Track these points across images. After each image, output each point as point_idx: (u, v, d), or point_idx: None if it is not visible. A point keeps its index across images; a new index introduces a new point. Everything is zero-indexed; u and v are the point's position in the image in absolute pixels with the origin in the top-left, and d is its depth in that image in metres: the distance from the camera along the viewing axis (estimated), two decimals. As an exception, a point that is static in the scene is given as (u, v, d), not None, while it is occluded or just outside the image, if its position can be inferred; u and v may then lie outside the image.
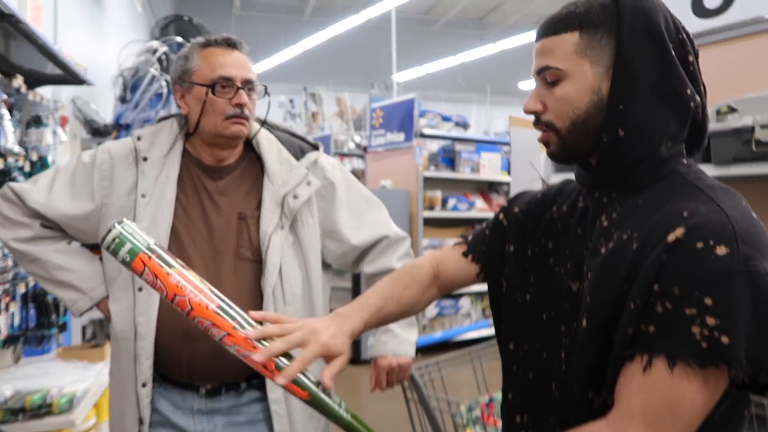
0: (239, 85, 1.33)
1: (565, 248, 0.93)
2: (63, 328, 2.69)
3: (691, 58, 0.85)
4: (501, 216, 1.06)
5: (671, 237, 0.74)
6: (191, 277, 0.93)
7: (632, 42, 0.82)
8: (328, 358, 0.90)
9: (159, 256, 0.93)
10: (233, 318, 0.91)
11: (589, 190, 0.90)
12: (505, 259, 1.02)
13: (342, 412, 0.90)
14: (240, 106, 1.33)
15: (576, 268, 0.89)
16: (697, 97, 0.84)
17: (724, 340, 0.69)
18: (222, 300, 0.93)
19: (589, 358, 0.81)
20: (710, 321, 0.70)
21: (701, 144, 0.90)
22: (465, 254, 1.09)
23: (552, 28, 0.86)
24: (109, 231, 0.93)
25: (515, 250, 1.01)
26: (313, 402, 0.89)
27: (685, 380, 0.72)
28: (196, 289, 0.92)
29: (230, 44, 1.36)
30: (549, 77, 0.86)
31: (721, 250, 0.71)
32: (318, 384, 0.90)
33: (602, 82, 0.84)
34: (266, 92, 1.41)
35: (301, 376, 0.88)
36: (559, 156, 0.90)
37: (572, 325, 0.87)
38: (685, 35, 0.85)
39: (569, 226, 0.94)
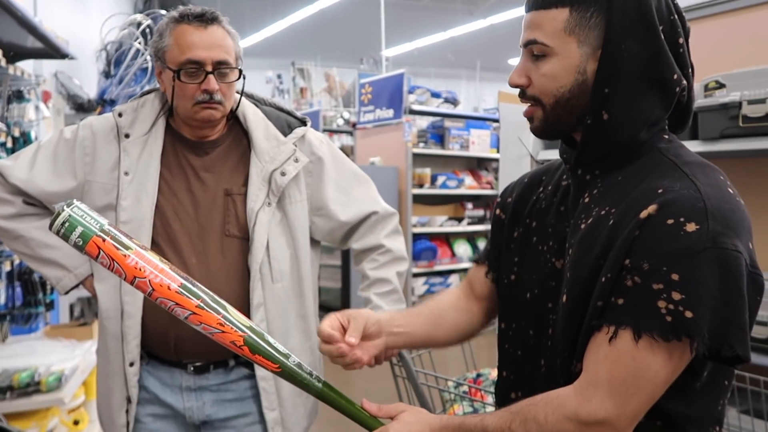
0: (209, 69, 1.27)
1: (548, 227, 0.94)
2: (50, 306, 2.68)
3: (681, 40, 0.84)
4: (498, 211, 1.07)
5: (644, 213, 0.76)
6: (151, 258, 0.92)
7: (622, 25, 0.81)
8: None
9: (114, 238, 0.90)
10: (198, 296, 0.91)
11: (572, 168, 0.91)
12: (501, 248, 1.04)
13: (314, 381, 0.92)
14: (208, 91, 1.27)
15: (559, 245, 0.91)
16: (684, 81, 0.85)
17: (688, 314, 0.72)
18: (185, 279, 0.93)
19: (570, 332, 0.83)
20: (676, 296, 0.72)
21: (686, 123, 0.91)
22: (477, 261, 1.12)
23: (542, 1, 0.85)
24: (58, 215, 0.89)
25: (507, 237, 1.03)
26: (284, 373, 0.92)
27: (649, 352, 0.74)
28: (156, 269, 0.91)
29: (204, 20, 1.28)
30: (536, 51, 0.86)
31: (691, 227, 0.73)
32: (288, 356, 0.92)
33: (588, 62, 0.83)
34: (240, 76, 1.33)
35: (269, 349, 0.91)
36: (542, 131, 0.91)
37: (558, 301, 0.88)
38: (677, 15, 0.84)
39: (552, 205, 0.95)
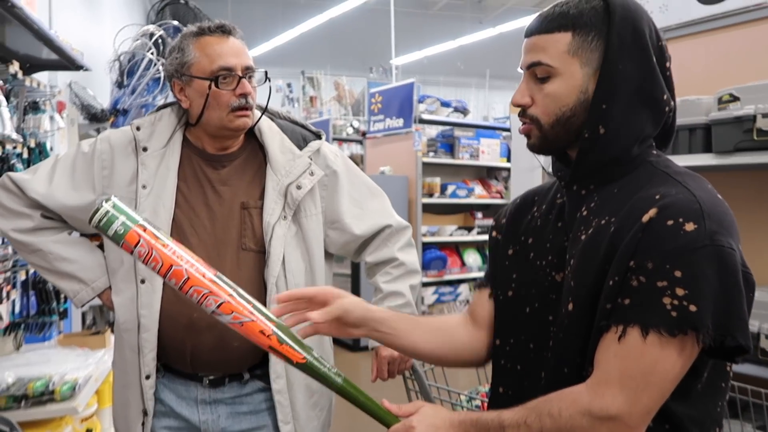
0: (240, 74, 1.31)
1: (546, 242, 0.98)
2: (64, 315, 2.70)
3: (668, 64, 0.91)
4: (494, 233, 1.10)
5: (645, 217, 0.81)
6: (185, 249, 0.95)
7: (619, 47, 0.87)
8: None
9: (153, 228, 0.94)
10: (230, 286, 0.94)
11: (567, 184, 0.96)
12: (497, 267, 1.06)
13: (334, 376, 0.94)
14: (244, 95, 1.31)
15: (558, 258, 0.94)
16: (672, 102, 0.91)
17: (692, 308, 0.76)
18: (216, 273, 0.95)
19: (578, 339, 0.87)
20: (679, 291, 0.76)
21: (668, 142, 0.97)
22: (479, 286, 1.13)
23: (545, 26, 0.90)
24: (98, 208, 0.92)
25: (501, 255, 1.05)
26: (307, 365, 0.93)
27: (657, 347, 0.78)
28: (193, 258, 0.94)
29: (225, 31, 1.33)
30: (539, 73, 0.91)
31: (690, 227, 0.78)
32: (310, 350, 0.94)
33: (590, 82, 0.89)
34: (267, 78, 1.38)
35: (295, 340, 0.93)
36: (539, 148, 0.95)
37: (559, 314, 0.91)
38: (663, 42, 0.92)
39: (548, 221, 0.99)
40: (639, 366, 0.78)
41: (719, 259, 0.77)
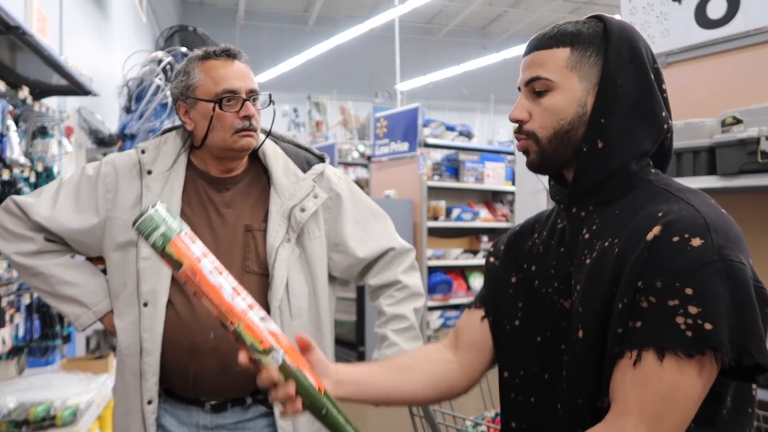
0: (244, 96, 1.32)
1: (550, 268, 0.95)
2: (67, 339, 2.69)
3: (664, 86, 0.91)
4: (491, 259, 1.09)
5: (650, 235, 0.78)
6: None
7: (617, 63, 0.88)
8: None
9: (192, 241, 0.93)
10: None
11: (566, 206, 0.94)
12: (497, 292, 1.04)
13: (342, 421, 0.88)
14: (248, 118, 1.32)
15: (564, 284, 0.92)
16: (670, 121, 0.90)
17: (708, 326, 0.73)
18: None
19: (590, 368, 0.83)
20: (692, 310, 0.73)
21: (666, 164, 0.96)
22: (470, 306, 1.10)
23: (543, 43, 0.92)
24: (144, 212, 0.90)
25: (502, 281, 1.03)
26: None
27: (675, 371, 0.74)
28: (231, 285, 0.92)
29: (230, 55, 1.35)
30: (538, 87, 0.91)
31: (696, 242, 0.76)
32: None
33: (588, 97, 0.89)
34: (271, 101, 1.40)
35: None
36: (538, 166, 0.94)
37: (571, 341, 0.88)
38: (658, 66, 0.92)
39: (550, 248, 0.97)
40: (658, 392, 0.75)
41: (729, 274, 0.74)
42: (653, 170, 0.91)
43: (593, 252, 0.87)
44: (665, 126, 0.90)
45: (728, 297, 0.74)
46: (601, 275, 0.83)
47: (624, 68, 0.88)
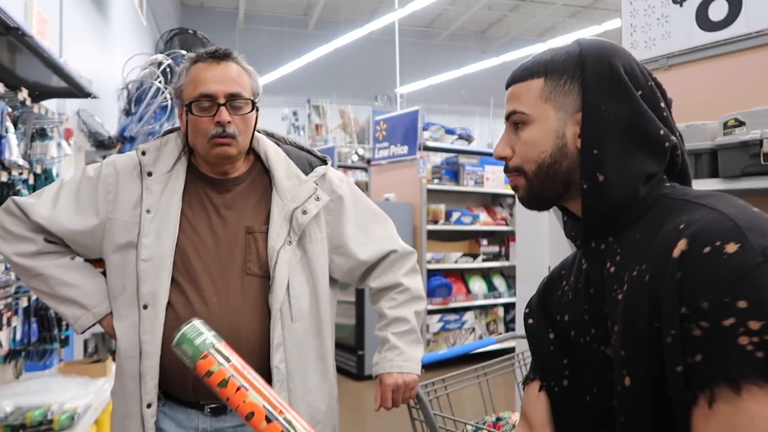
0: (221, 101, 1.28)
1: (583, 314, 0.89)
2: (65, 342, 2.67)
3: (662, 104, 0.86)
4: (529, 320, 1.02)
5: (676, 252, 0.70)
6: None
7: (598, 88, 0.83)
8: None
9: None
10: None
11: (583, 242, 0.89)
12: (540, 354, 0.99)
13: None
14: (221, 124, 1.28)
15: (602, 330, 0.84)
16: (672, 137, 0.85)
17: None
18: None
19: (645, 417, 0.74)
20: (754, 325, 0.63)
21: (687, 182, 0.90)
22: (525, 382, 1.04)
23: (520, 75, 0.90)
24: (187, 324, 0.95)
25: (542, 341, 0.97)
26: None
27: (756, 402, 0.63)
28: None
29: (217, 57, 1.30)
30: (515, 119, 0.89)
31: (732, 248, 0.66)
32: None
33: (566, 126, 0.86)
34: (254, 107, 1.33)
35: None
36: (529, 201, 0.91)
37: (617, 392, 0.79)
38: (654, 83, 0.87)
39: (579, 291, 0.91)
40: (747, 430, 0.63)
41: None
42: (668, 183, 0.85)
43: (623, 285, 0.78)
44: (666, 144, 0.84)
45: None
46: (638, 310, 0.74)
47: (606, 92, 0.83)
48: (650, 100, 0.85)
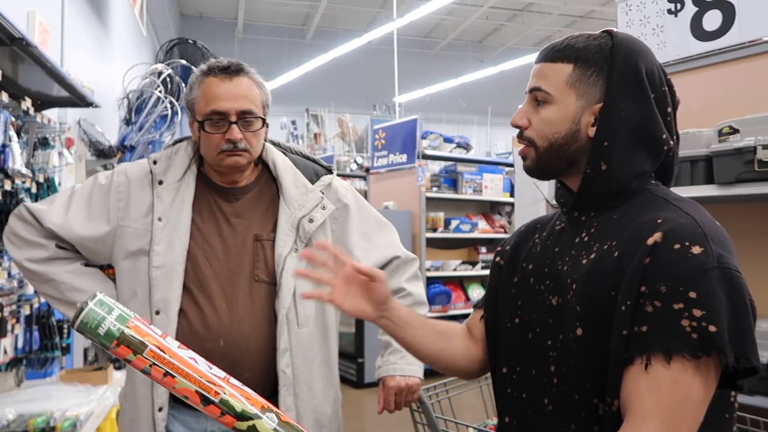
0: (233, 119, 1.31)
1: (544, 267, 0.99)
2: (66, 350, 2.68)
3: (669, 109, 0.94)
4: (497, 258, 1.12)
5: (650, 241, 0.81)
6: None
7: (622, 87, 0.91)
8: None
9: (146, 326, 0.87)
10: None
11: (569, 210, 0.99)
12: (499, 292, 1.07)
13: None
14: (232, 141, 1.31)
15: (554, 282, 0.95)
16: (671, 142, 0.93)
17: (712, 329, 0.75)
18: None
19: (589, 365, 0.85)
20: (697, 313, 0.76)
21: (669, 180, 0.99)
22: (475, 306, 1.15)
23: (551, 55, 0.95)
24: (84, 306, 0.83)
25: (506, 281, 1.06)
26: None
27: (683, 372, 0.76)
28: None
29: (229, 72, 1.32)
30: (539, 97, 0.95)
31: (696, 250, 0.79)
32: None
33: (583, 114, 0.93)
34: (264, 124, 1.37)
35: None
36: (534, 171, 0.99)
37: (558, 338, 0.91)
38: (667, 87, 0.94)
39: (547, 247, 1.01)
40: (673, 394, 0.76)
41: (727, 280, 0.77)
42: (653, 181, 0.95)
43: (591, 253, 0.90)
44: (665, 147, 0.92)
45: (727, 302, 0.77)
46: (602, 277, 0.85)
47: (627, 92, 0.90)
48: (661, 103, 0.92)
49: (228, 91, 1.31)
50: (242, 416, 0.83)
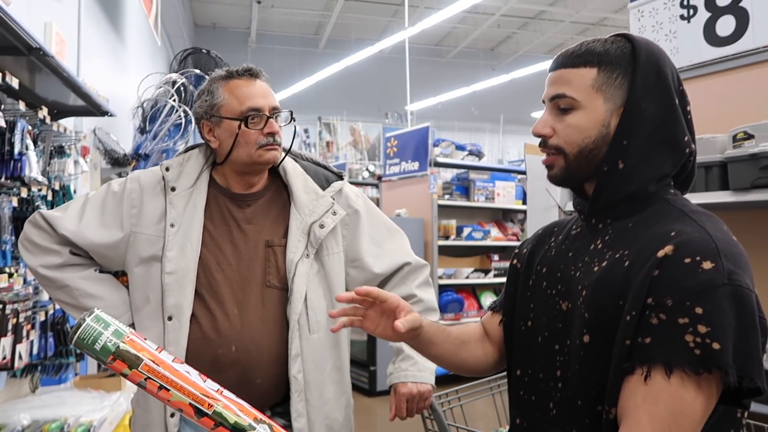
0: (268, 114, 1.36)
1: (557, 271, 0.98)
2: (81, 356, 2.70)
3: (689, 108, 0.93)
4: (515, 261, 1.12)
5: (661, 253, 0.80)
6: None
7: (644, 87, 0.90)
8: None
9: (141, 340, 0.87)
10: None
11: (586, 217, 0.97)
12: (516, 295, 1.07)
13: None
14: (272, 134, 1.36)
15: (565, 287, 0.95)
16: (693, 145, 0.92)
17: (716, 346, 0.74)
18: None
19: (594, 372, 0.85)
20: (701, 329, 0.75)
21: (688, 185, 0.97)
22: (491, 309, 1.16)
23: (571, 60, 0.93)
24: (82, 321, 0.84)
25: (523, 284, 1.06)
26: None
27: (682, 387, 0.76)
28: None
29: (252, 74, 1.39)
30: (562, 104, 0.93)
31: (707, 265, 0.77)
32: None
33: (612, 118, 0.91)
34: (292, 118, 1.43)
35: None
36: (561, 179, 0.97)
37: (565, 343, 0.91)
38: (683, 87, 0.94)
39: (561, 251, 1.00)
40: (668, 407, 0.76)
41: (737, 298, 0.76)
42: (672, 190, 0.93)
43: (603, 261, 0.89)
44: (687, 150, 0.91)
45: (735, 321, 0.75)
46: (611, 286, 0.85)
47: (649, 93, 0.89)
48: (681, 103, 0.92)
49: (258, 89, 1.38)
50: (235, 428, 0.83)
